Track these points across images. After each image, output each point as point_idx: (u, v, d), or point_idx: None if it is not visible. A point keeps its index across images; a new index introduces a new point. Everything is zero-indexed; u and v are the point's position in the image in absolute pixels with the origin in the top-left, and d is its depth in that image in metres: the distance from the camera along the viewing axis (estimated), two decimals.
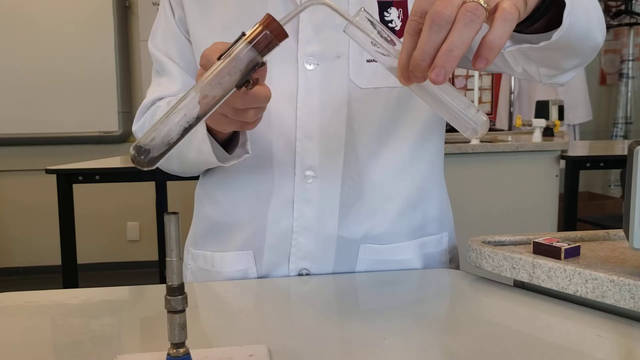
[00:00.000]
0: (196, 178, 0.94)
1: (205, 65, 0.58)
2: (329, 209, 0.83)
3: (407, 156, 0.86)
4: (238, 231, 0.86)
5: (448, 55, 0.47)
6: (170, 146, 0.48)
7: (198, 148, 0.75)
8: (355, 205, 0.84)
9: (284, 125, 0.82)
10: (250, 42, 0.50)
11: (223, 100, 0.50)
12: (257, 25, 0.50)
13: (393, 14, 0.81)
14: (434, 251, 0.90)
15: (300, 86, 0.81)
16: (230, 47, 0.50)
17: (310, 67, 0.81)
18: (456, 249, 0.95)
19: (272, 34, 0.50)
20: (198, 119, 0.49)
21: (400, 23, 0.81)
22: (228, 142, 0.78)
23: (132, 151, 0.47)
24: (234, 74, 0.50)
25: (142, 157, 0.47)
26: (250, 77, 0.51)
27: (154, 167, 0.48)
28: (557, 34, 0.62)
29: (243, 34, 0.50)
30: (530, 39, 0.65)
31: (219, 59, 0.50)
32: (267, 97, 0.60)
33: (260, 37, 0.50)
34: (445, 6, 0.46)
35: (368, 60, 0.81)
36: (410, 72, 0.49)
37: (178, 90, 0.86)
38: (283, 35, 0.50)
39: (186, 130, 0.48)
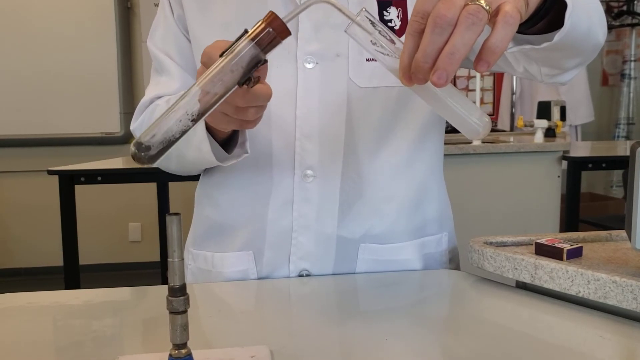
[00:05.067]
0: (198, 178, 0.94)
1: (206, 63, 0.58)
2: (328, 208, 0.83)
3: (406, 156, 0.86)
4: (238, 232, 0.86)
5: (450, 57, 0.46)
6: (171, 143, 0.48)
7: (197, 147, 0.74)
8: (355, 205, 0.84)
9: (284, 124, 0.82)
10: (253, 39, 0.49)
11: (225, 97, 0.50)
12: (259, 23, 0.50)
13: (392, 13, 0.80)
14: (433, 251, 0.90)
15: (300, 85, 0.81)
16: (232, 44, 0.50)
17: (309, 66, 0.81)
18: (456, 249, 0.95)
19: (275, 31, 0.49)
20: (199, 116, 0.49)
21: (400, 22, 0.81)
22: (227, 142, 0.78)
23: (132, 147, 0.47)
24: (236, 71, 0.50)
25: (143, 153, 0.47)
26: (252, 74, 0.51)
27: (154, 164, 0.48)
28: (558, 35, 0.62)
29: (246, 31, 0.50)
30: (532, 39, 0.65)
31: (221, 55, 0.50)
32: (269, 96, 0.60)
33: (263, 34, 0.49)
34: (448, 8, 0.46)
35: (367, 60, 0.80)
36: (412, 74, 0.49)
37: (177, 88, 0.87)
38: (286, 33, 0.50)
39: (187, 128, 0.48)
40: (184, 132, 0.48)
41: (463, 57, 0.47)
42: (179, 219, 0.47)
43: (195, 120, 0.49)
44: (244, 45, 0.49)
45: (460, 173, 2.70)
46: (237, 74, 0.50)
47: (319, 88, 0.81)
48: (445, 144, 0.98)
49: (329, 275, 0.84)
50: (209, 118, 0.61)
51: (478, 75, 3.34)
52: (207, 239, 0.90)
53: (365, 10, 0.51)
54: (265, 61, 0.51)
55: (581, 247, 0.74)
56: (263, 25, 0.49)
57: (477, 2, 0.47)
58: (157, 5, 0.91)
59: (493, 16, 0.48)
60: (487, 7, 0.47)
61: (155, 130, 0.47)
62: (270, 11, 0.50)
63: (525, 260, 0.71)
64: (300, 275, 0.84)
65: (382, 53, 0.52)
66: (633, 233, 0.62)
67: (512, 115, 4.38)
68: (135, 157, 0.47)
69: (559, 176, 2.82)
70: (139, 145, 0.47)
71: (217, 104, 0.50)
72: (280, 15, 0.50)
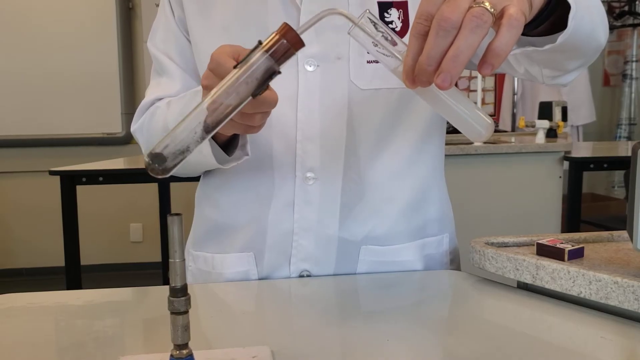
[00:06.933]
0: (199, 179, 0.94)
1: (215, 70, 0.58)
2: (329, 210, 0.83)
3: (407, 157, 0.86)
4: (238, 233, 0.86)
5: (454, 60, 0.46)
6: (185, 155, 0.48)
7: (198, 149, 0.74)
8: (356, 207, 0.84)
9: (285, 127, 0.82)
10: (267, 51, 0.49)
11: (239, 108, 0.50)
12: (274, 34, 0.49)
13: (393, 15, 0.80)
14: (434, 252, 0.90)
15: (301, 88, 0.81)
16: (247, 56, 0.49)
17: (310, 69, 0.81)
18: (457, 250, 0.95)
19: (289, 42, 0.49)
20: (214, 128, 0.49)
21: (401, 24, 0.81)
22: (228, 144, 0.78)
23: (146, 159, 0.47)
24: (251, 83, 0.50)
25: (157, 165, 0.47)
26: (266, 85, 0.51)
27: (167, 175, 0.48)
28: (562, 37, 0.62)
29: (260, 43, 0.50)
30: (535, 41, 0.65)
31: (235, 67, 0.50)
32: (275, 102, 0.60)
33: (277, 45, 0.49)
34: (452, 11, 0.46)
35: (368, 62, 0.80)
36: (416, 77, 0.49)
37: (177, 90, 0.87)
38: (300, 44, 0.50)
39: (201, 139, 0.49)
40: (197, 144, 0.48)
41: (467, 60, 0.47)
42: (181, 219, 0.47)
43: (209, 132, 0.49)
44: (258, 57, 0.49)
45: (462, 174, 2.70)
46: (251, 86, 0.50)
47: (319, 90, 0.81)
48: (447, 144, 0.98)
49: (329, 275, 0.84)
50: None
51: (479, 75, 3.34)
52: (208, 240, 0.90)
53: (369, 12, 0.51)
54: (279, 72, 0.51)
55: (582, 248, 0.74)
56: (277, 37, 0.49)
57: (482, 5, 0.46)
58: (158, 5, 0.91)
59: (497, 19, 0.48)
60: (492, 10, 0.47)
61: (168, 141, 0.47)
62: (284, 22, 0.50)
63: (527, 260, 0.71)
64: (301, 276, 0.84)
65: (385, 55, 0.52)
66: (634, 234, 0.62)
67: (514, 116, 4.38)
68: (149, 169, 0.47)
69: (560, 177, 2.82)
70: (153, 156, 0.47)
71: (231, 115, 0.50)
72: (282, 19, 0.50)
